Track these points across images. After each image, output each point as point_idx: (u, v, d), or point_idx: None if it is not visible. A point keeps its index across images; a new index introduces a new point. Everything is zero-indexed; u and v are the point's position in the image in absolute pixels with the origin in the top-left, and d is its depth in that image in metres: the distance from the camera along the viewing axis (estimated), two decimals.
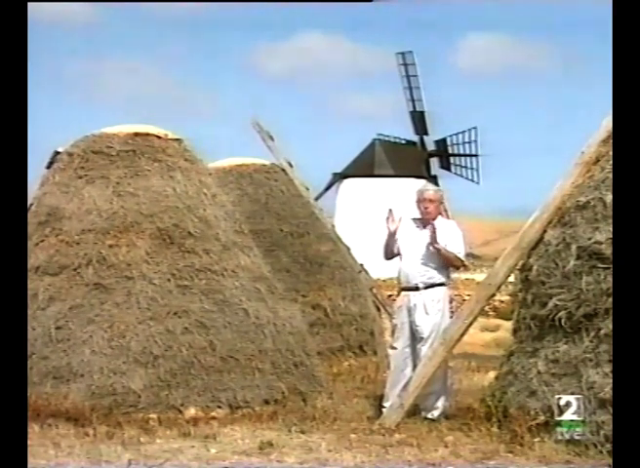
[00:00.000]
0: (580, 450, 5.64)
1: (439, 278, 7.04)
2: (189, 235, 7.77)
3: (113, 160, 8.01)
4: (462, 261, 7.14)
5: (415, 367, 6.90)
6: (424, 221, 7.12)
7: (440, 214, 7.23)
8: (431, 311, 6.98)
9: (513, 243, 6.56)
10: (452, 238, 7.05)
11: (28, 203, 7.88)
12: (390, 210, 7.15)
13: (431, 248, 6.96)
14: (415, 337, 7.02)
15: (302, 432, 6.44)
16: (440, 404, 6.94)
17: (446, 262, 7.05)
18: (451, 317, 7.00)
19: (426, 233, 7.02)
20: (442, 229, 7.03)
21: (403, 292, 7.15)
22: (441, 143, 40.04)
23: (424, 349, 6.86)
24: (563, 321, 6.04)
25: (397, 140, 40.69)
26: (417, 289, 7.03)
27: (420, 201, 7.14)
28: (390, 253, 7.20)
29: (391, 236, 7.12)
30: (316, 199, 13.25)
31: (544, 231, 6.40)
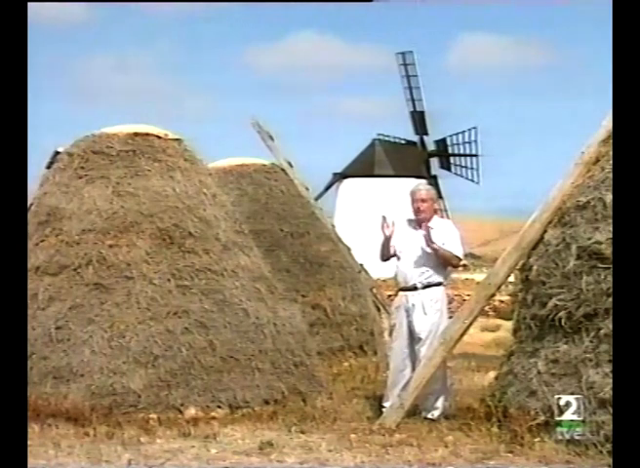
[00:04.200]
0: (580, 450, 5.63)
1: (437, 278, 7.05)
2: (189, 235, 7.77)
3: (113, 160, 8.01)
4: (460, 260, 7.16)
5: (414, 367, 6.91)
6: (420, 221, 7.13)
7: (435, 212, 7.25)
8: (430, 311, 6.98)
9: (513, 243, 6.55)
10: (448, 237, 7.05)
11: (28, 203, 7.89)
12: (384, 216, 7.18)
13: (427, 248, 6.96)
14: (413, 337, 7.03)
15: (302, 432, 6.45)
16: (440, 404, 6.95)
17: (443, 262, 7.05)
18: (450, 317, 7.00)
19: (423, 233, 7.03)
20: (438, 228, 7.05)
21: (401, 293, 7.16)
22: (441, 143, 39.94)
23: (423, 349, 6.87)
24: (563, 321, 6.03)
25: (397, 140, 40.58)
26: (415, 289, 7.03)
27: (414, 201, 7.17)
28: (387, 255, 7.22)
29: (387, 240, 7.15)
30: (316, 199, 13.21)
31: (544, 231, 6.40)
